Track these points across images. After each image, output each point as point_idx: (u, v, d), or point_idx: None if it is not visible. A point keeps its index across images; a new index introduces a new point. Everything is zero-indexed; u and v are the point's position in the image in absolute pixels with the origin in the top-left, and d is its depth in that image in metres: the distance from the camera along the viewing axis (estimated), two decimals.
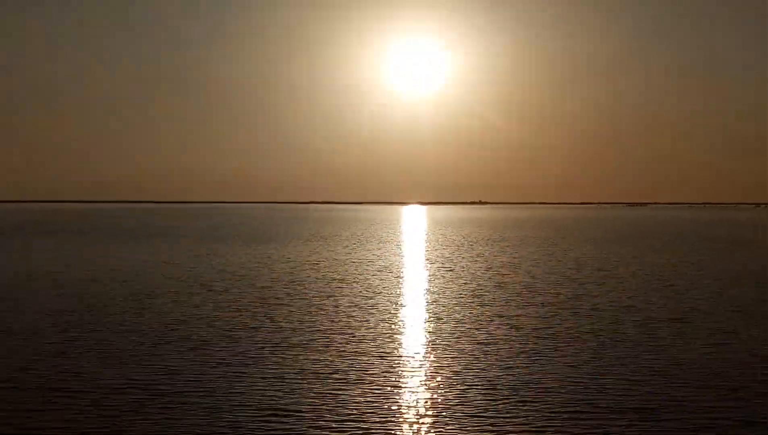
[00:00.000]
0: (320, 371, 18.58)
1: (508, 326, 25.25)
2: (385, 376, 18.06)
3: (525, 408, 15.40)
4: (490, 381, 17.62)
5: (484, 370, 18.79)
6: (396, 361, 19.75)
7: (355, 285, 37.65)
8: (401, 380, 17.69)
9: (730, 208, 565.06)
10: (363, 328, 24.78)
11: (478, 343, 22.23)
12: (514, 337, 23.18)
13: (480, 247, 69.99)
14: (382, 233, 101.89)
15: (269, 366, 19.19)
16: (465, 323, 25.90)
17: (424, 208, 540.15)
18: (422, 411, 15.22)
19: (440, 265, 49.87)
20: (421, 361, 19.84)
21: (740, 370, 18.69)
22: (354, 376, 18.07)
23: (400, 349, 21.29)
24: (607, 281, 39.68)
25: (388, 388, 16.94)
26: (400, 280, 40.28)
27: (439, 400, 15.98)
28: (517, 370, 18.74)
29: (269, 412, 15.04)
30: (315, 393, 16.50)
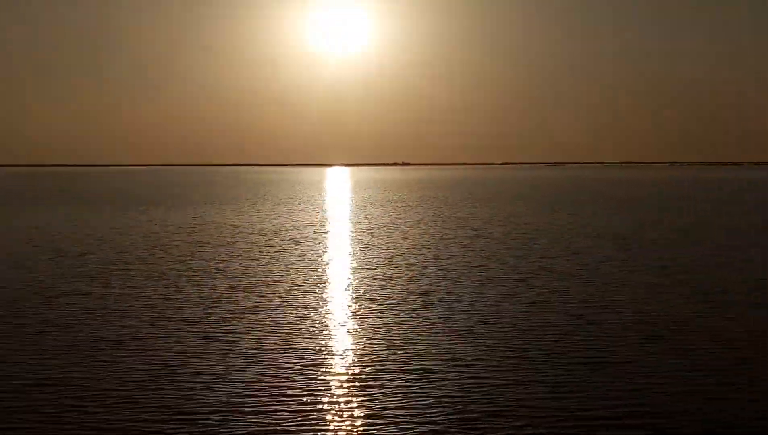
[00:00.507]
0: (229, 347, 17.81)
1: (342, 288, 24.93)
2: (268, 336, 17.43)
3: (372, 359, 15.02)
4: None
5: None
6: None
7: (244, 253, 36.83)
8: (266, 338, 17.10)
9: (650, 167, 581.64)
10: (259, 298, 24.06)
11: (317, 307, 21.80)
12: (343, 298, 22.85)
13: (371, 210, 69.78)
14: (282, 195, 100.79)
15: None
16: (309, 289, 25.46)
17: (347, 169, 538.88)
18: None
19: (317, 227, 49.40)
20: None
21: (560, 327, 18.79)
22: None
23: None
24: (474, 241, 39.84)
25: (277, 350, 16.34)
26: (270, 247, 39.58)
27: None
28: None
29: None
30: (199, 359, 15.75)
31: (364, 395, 13.44)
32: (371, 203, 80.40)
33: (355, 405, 12.88)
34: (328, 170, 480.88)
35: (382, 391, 13.73)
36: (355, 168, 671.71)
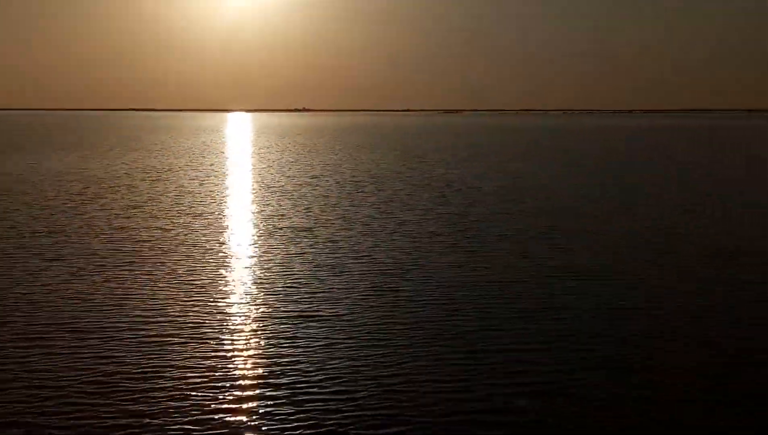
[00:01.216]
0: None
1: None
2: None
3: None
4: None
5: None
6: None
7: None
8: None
9: (543, 114, 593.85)
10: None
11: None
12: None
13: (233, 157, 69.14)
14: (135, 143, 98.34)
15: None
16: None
17: (249, 115, 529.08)
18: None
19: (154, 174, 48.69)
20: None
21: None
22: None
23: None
24: (316, 187, 40.14)
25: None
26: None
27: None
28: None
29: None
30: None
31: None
32: (245, 151, 79.55)
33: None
34: (229, 115, 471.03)
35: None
36: (255, 113, 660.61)
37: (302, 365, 12.56)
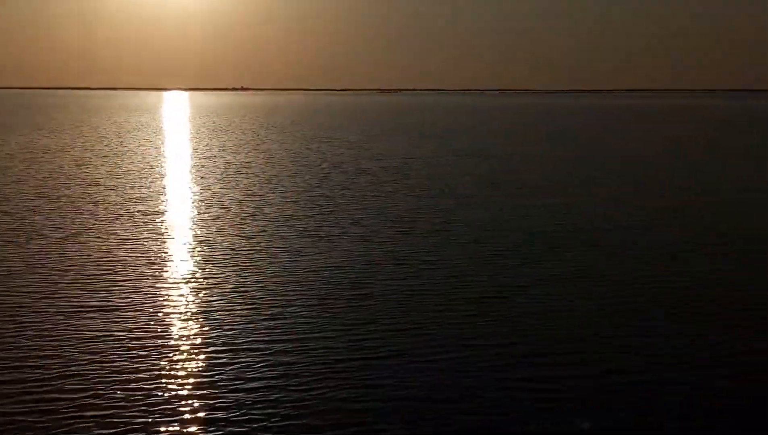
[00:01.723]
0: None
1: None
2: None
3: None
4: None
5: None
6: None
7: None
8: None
9: (469, 94, 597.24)
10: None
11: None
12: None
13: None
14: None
15: None
16: None
17: (185, 94, 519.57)
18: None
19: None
20: None
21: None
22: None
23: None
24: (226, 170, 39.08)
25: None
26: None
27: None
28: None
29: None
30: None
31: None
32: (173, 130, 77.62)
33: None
34: (165, 94, 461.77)
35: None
36: (193, 92, 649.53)
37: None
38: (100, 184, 33.24)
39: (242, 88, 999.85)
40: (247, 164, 42.54)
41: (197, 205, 27.68)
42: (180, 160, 44.96)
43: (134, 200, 28.64)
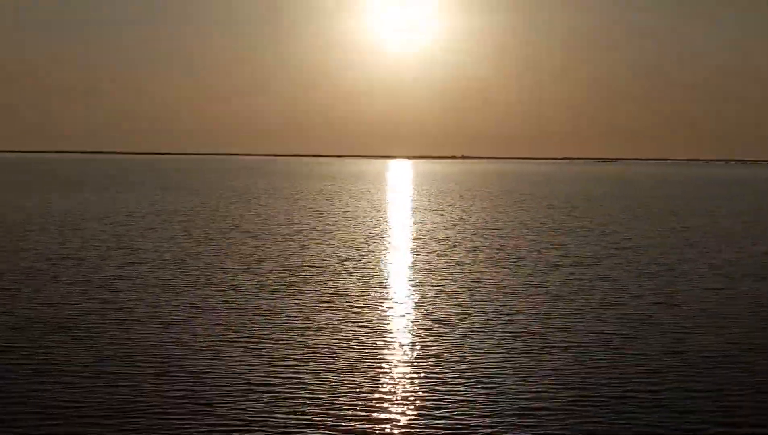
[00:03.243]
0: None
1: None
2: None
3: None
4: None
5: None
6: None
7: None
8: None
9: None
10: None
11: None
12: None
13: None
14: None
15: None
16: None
17: (409, 162, 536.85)
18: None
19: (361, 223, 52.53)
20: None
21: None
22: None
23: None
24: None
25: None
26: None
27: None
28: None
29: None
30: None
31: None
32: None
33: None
34: (391, 162, 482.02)
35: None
36: (415, 160, 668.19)
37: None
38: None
39: (462, 157, 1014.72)
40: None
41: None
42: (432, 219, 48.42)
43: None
